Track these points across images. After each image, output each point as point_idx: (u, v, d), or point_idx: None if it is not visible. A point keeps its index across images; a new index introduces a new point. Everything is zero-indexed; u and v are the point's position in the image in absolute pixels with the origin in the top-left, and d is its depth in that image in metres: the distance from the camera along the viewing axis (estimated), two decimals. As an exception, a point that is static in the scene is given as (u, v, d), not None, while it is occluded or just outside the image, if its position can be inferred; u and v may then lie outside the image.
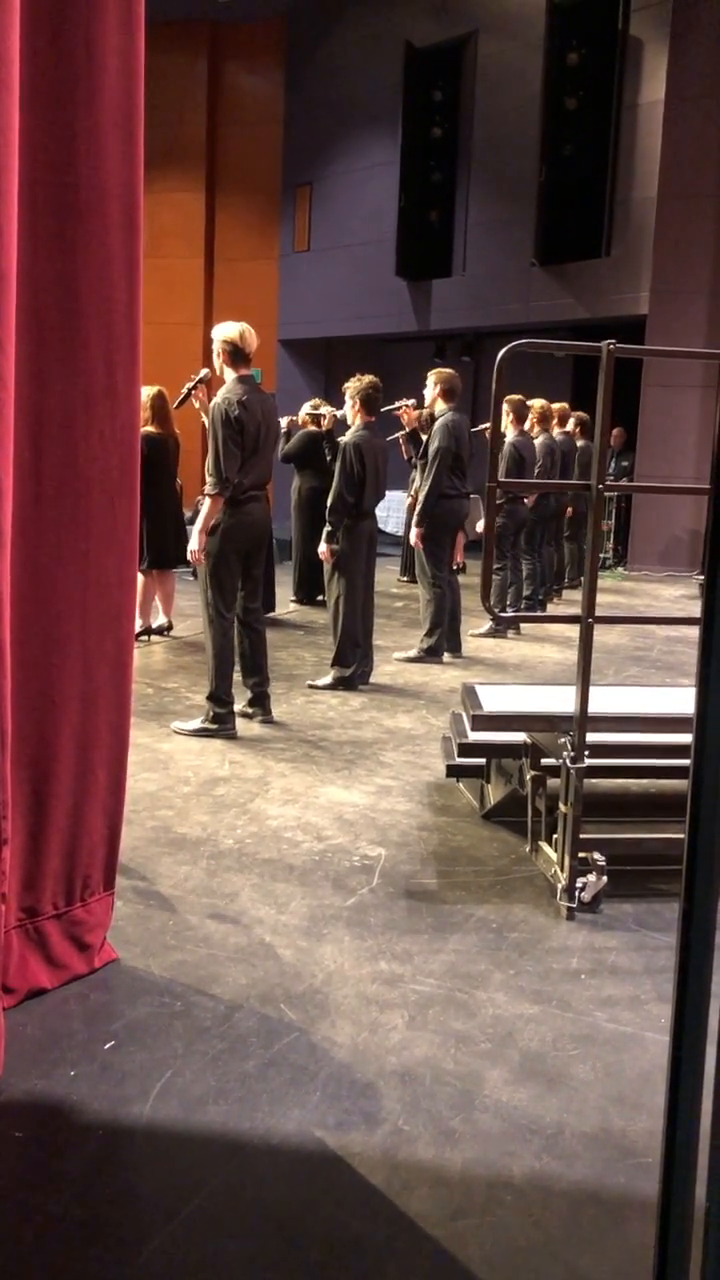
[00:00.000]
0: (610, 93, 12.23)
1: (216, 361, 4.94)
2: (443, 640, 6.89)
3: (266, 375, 15.42)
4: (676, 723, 3.62)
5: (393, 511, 12.37)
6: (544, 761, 3.61)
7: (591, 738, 3.30)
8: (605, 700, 3.79)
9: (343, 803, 4.17)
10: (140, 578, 6.58)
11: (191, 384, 5.25)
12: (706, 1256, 1.19)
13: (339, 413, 7.50)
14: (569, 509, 9.83)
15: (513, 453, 7.88)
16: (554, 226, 12.69)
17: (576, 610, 3.28)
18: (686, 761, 1.15)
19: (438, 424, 6.79)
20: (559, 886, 3.31)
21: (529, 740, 3.65)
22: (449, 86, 14.08)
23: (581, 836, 3.27)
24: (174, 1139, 2.15)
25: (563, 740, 3.31)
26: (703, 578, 1.13)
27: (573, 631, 3.44)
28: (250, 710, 5.27)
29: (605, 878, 3.31)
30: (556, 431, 9.24)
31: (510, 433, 7.99)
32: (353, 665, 6.07)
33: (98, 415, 2.60)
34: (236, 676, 5.13)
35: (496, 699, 3.96)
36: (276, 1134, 2.17)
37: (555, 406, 9.31)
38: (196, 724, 5.01)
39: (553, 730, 3.47)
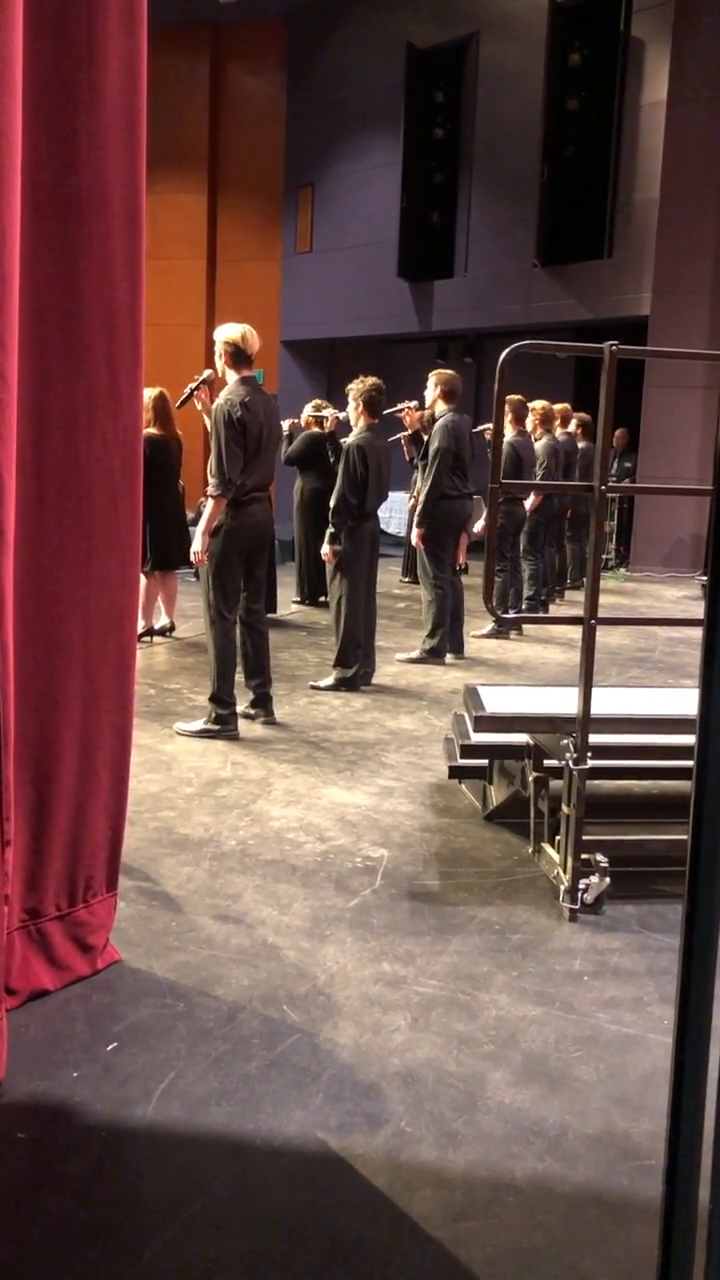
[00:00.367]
0: (612, 93, 12.23)
1: (219, 363, 4.95)
2: (445, 641, 6.88)
3: (269, 376, 15.43)
4: (679, 724, 3.62)
5: (395, 513, 12.37)
6: (546, 763, 3.60)
7: (594, 739, 3.30)
8: (608, 701, 3.79)
9: (345, 804, 4.17)
10: (143, 579, 6.59)
11: (194, 385, 5.25)
12: (710, 1259, 1.18)
13: (341, 414, 7.51)
14: (569, 510, 9.82)
15: (510, 453, 7.88)
16: (556, 227, 12.69)
17: (579, 611, 3.28)
18: (689, 763, 1.14)
19: (437, 425, 6.80)
20: (562, 888, 3.31)
21: (531, 741, 3.65)
22: (451, 87, 14.08)
23: (584, 838, 3.27)
24: (176, 1140, 2.15)
25: (565, 741, 3.31)
26: (705, 579, 1.13)
27: (575, 633, 3.44)
28: (253, 711, 5.27)
29: (608, 879, 3.31)
30: (559, 432, 9.23)
31: (509, 433, 7.99)
32: (355, 666, 6.07)
33: (100, 417, 2.60)
34: (239, 678, 5.13)
35: (499, 700, 3.96)
36: (279, 1135, 2.17)
37: (557, 407, 9.31)
38: (199, 725, 5.01)
39: (555, 731, 3.47)
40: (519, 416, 8.16)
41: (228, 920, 3.14)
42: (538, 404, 8.75)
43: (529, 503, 8.40)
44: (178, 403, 5.67)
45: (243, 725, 5.11)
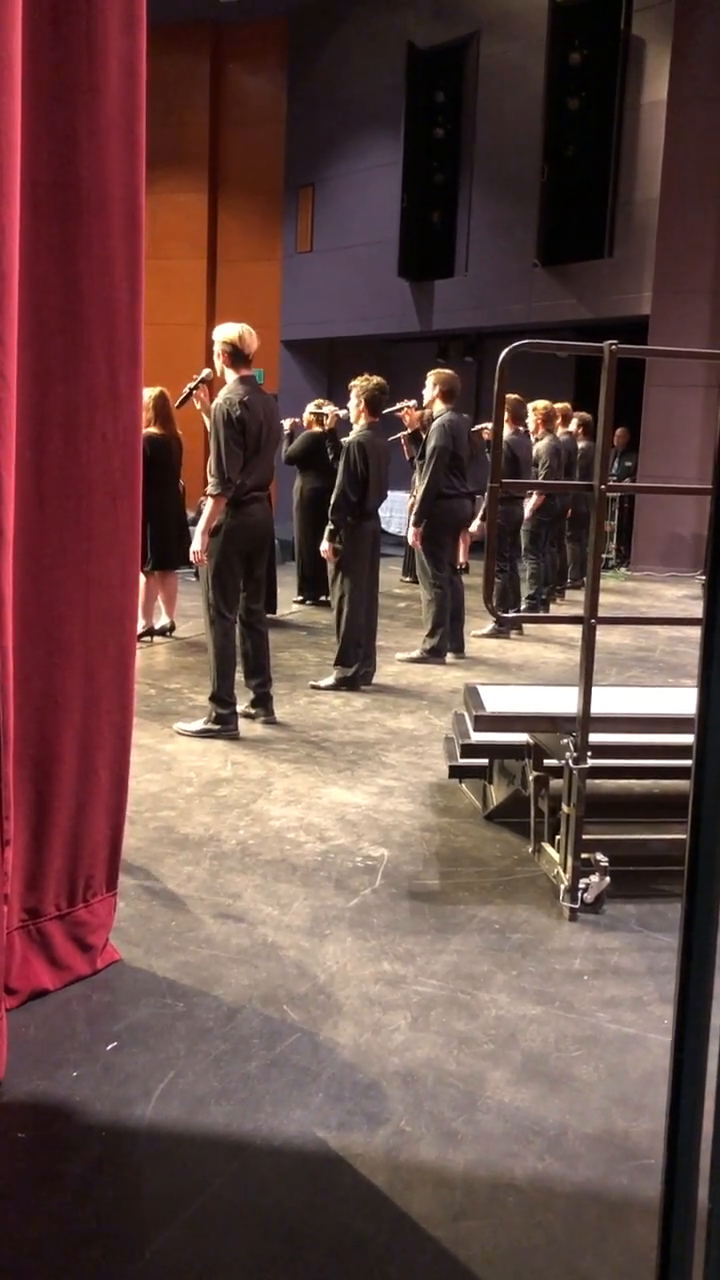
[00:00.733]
0: (613, 93, 12.23)
1: (217, 363, 4.95)
2: (445, 640, 6.88)
3: (269, 376, 15.43)
4: (679, 723, 3.62)
5: (396, 512, 12.37)
6: (546, 762, 3.60)
7: (594, 738, 3.30)
8: (608, 701, 3.79)
9: (345, 803, 4.17)
10: (143, 579, 6.59)
11: (193, 384, 5.25)
12: (709, 1258, 1.18)
13: (341, 412, 7.50)
14: (570, 510, 9.82)
15: (506, 452, 7.87)
16: (556, 227, 12.69)
17: (579, 611, 3.28)
18: (689, 762, 1.14)
19: (434, 424, 6.79)
20: (562, 887, 3.31)
21: (532, 741, 3.65)
22: (451, 87, 14.08)
23: (584, 837, 3.27)
24: (176, 1140, 2.15)
25: (565, 741, 3.31)
26: (705, 578, 1.13)
27: (575, 632, 3.44)
28: (253, 711, 5.27)
29: (608, 878, 3.31)
30: (560, 432, 9.23)
31: (505, 432, 7.97)
32: (355, 666, 6.07)
33: (100, 416, 2.60)
34: (239, 677, 5.13)
35: (499, 699, 3.96)
36: (279, 1135, 2.17)
37: (558, 407, 9.30)
38: (199, 725, 5.01)
39: (555, 731, 3.47)
40: (516, 416, 8.15)
41: (228, 920, 3.14)
42: (539, 404, 8.75)
43: (531, 503, 8.39)
44: (177, 402, 5.67)
45: (243, 725, 5.11)
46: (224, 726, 4.98)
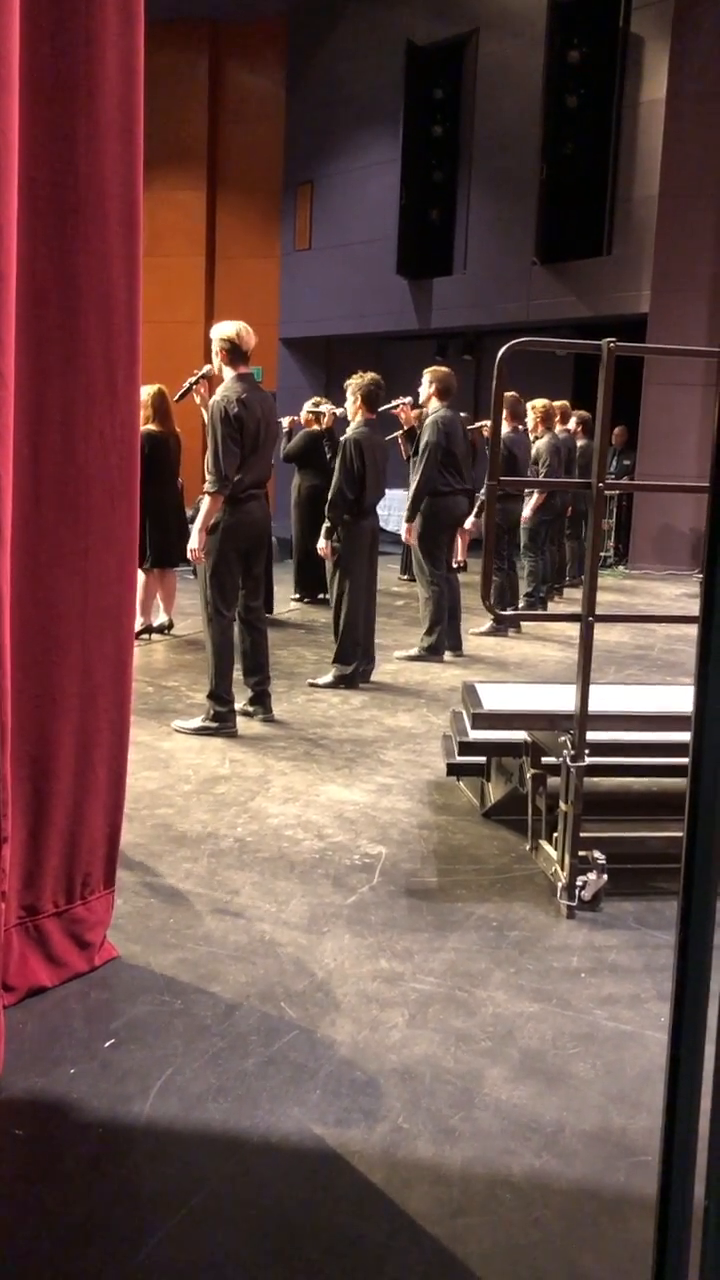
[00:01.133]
0: (611, 90, 12.22)
1: (215, 360, 4.95)
2: (443, 638, 6.88)
3: (267, 374, 15.42)
4: (676, 721, 3.62)
5: (394, 510, 12.37)
6: (544, 760, 3.61)
7: (592, 736, 3.30)
8: (606, 699, 3.79)
9: (343, 801, 4.17)
10: (141, 576, 6.59)
11: (193, 380, 5.25)
12: (705, 1255, 1.19)
13: (338, 410, 7.50)
14: (569, 508, 9.82)
15: (504, 450, 7.86)
16: (555, 225, 12.68)
17: (577, 609, 3.28)
18: (687, 760, 1.15)
19: (427, 420, 6.79)
20: (559, 885, 3.31)
21: (529, 739, 3.65)
22: (450, 85, 14.06)
23: (582, 835, 3.27)
24: (174, 1137, 2.15)
25: (563, 739, 3.31)
26: (702, 576, 1.13)
27: (574, 630, 3.44)
28: (251, 709, 5.27)
29: (605, 876, 3.31)
30: (559, 430, 9.23)
31: (504, 430, 7.97)
32: (354, 663, 6.07)
33: (98, 414, 2.60)
34: (237, 675, 5.13)
35: (497, 697, 3.96)
36: (276, 1132, 2.17)
37: (556, 405, 9.30)
38: (197, 722, 5.01)
39: (553, 729, 3.47)
40: (514, 414, 8.15)
41: (226, 917, 3.14)
42: (538, 402, 8.75)
43: (533, 501, 8.39)
44: (176, 396, 5.67)
45: (241, 722, 5.12)
46: (222, 724, 4.98)
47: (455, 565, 7.52)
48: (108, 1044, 2.46)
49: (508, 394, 8.00)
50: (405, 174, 14.04)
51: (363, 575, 6.13)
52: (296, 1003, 2.68)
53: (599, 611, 3.26)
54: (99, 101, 2.47)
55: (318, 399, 9.31)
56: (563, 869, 3.31)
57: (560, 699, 3.65)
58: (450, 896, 3.36)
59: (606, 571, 11.77)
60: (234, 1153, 2.11)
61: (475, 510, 7.78)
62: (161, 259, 15.27)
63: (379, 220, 14.48)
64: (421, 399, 7.10)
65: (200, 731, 4.96)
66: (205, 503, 4.85)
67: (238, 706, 5.13)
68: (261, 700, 5.29)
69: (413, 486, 6.80)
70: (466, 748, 3.98)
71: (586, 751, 3.27)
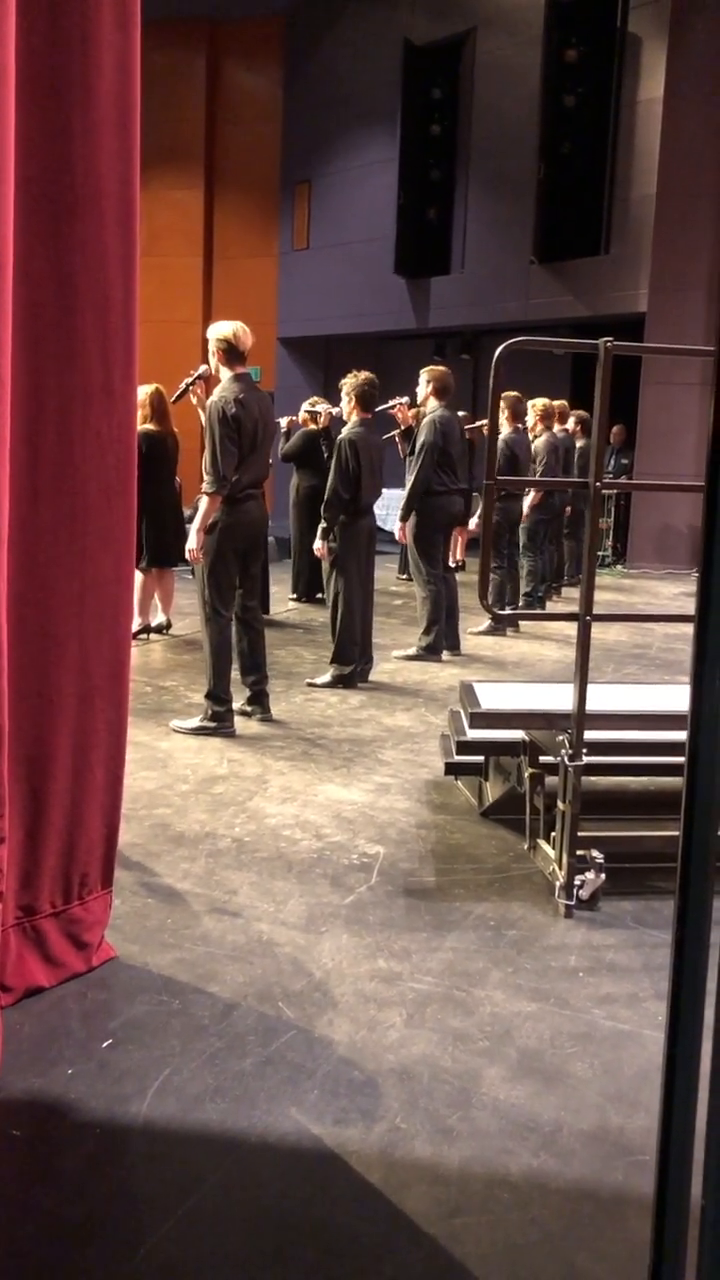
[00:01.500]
0: (609, 90, 12.21)
1: (212, 360, 4.95)
2: (441, 638, 6.88)
3: (266, 373, 15.41)
4: (674, 720, 3.62)
5: (392, 510, 12.37)
6: (542, 759, 3.61)
7: (589, 735, 3.30)
8: (603, 698, 3.79)
9: (341, 800, 4.17)
10: (139, 576, 6.58)
11: (190, 380, 5.25)
12: (702, 1253, 1.18)
13: (335, 410, 7.49)
14: (568, 507, 9.82)
15: (505, 450, 7.87)
16: (553, 224, 12.68)
17: (575, 608, 3.28)
18: (684, 759, 1.14)
19: (424, 420, 6.79)
20: (557, 884, 3.31)
21: (527, 738, 3.65)
22: (448, 84, 14.06)
23: (580, 834, 3.27)
24: (171, 1137, 2.15)
25: (561, 738, 3.31)
26: (699, 575, 1.13)
27: (572, 629, 3.44)
28: (249, 708, 5.27)
29: (603, 875, 3.31)
30: (557, 429, 9.23)
31: (504, 430, 7.98)
32: (352, 663, 6.07)
33: (95, 413, 2.59)
34: (235, 675, 5.13)
35: (495, 697, 3.96)
36: (274, 1132, 2.17)
37: (555, 404, 9.30)
38: (195, 722, 5.01)
39: (551, 728, 3.47)
40: (516, 414, 8.15)
41: (224, 917, 3.14)
42: (538, 401, 8.75)
43: (530, 500, 8.39)
44: (174, 396, 5.66)
45: (239, 722, 5.11)
46: (220, 724, 4.98)
47: (453, 565, 7.52)
48: (105, 1044, 2.46)
49: (510, 393, 8.01)
50: (403, 173, 14.04)
51: (359, 575, 6.12)
52: (294, 1002, 2.68)
53: (597, 611, 3.26)
54: (95, 100, 2.47)
55: (315, 398, 9.31)
56: (561, 868, 3.31)
57: (558, 698, 3.64)
58: (448, 896, 3.36)
59: (604, 571, 11.78)
60: (232, 1153, 2.11)
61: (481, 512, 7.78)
62: (159, 258, 15.27)
63: (377, 220, 14.48)
64: (419, 398, 7.10)
65: (198, 731, 4.96)
66: (203, 503, 4.85)
67: (236, 706, 5.13)
68: (259, 700, 5.28)
69: (407, 485, 6.79)
70: (464, 747, 3.97)
71: (584, 751, 3.27)
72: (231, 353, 4.86)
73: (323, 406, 8.79)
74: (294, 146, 16.03)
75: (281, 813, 4.01)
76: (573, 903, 3.26)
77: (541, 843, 3.55)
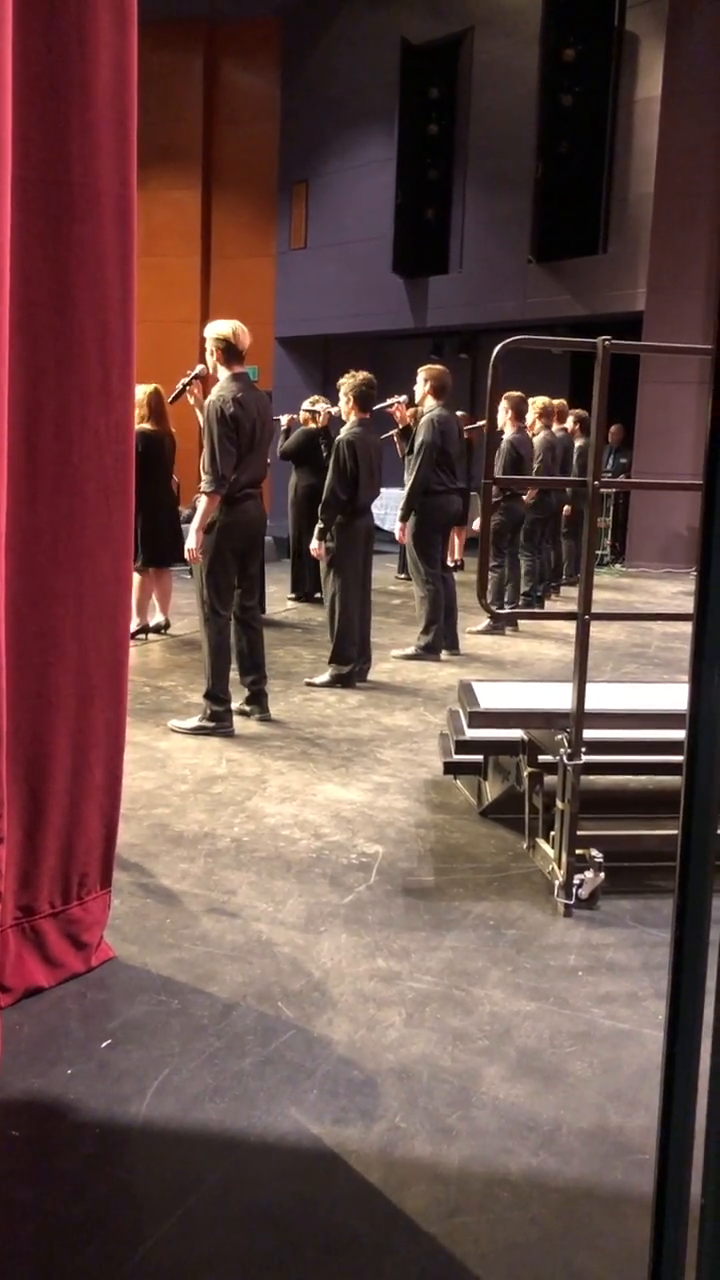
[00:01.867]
0: (606, 89, 12.21)
1: (210, 359, 4.94)
2: (440, 637, 6.88)
3: (264, 373, 15.41)
4: (673, 719, 3.62)
5: (390, 509, 12.37)
6: (541, 758, 3.61)
7: (588, 734, 3.30)
8: (602, 697, 3.79)
9: (340, 800, 4.17)
10: (136, 576, 6.58)
11: (186, 380, 5.25)
12: (702, 1253, 1.18)
13: (334, 409, 7.49)
14: (567, 507, 9.82)
15: (510, 450, 7.87)
16: (551, 223, 12.68)
17: (574, 607, 3.28)
18: (683, 758, 1.14)
19: (423, 420, 6.79)
20: (556, 883, 3.31)
21: (526, 737, 3.65)
22: (445, 83, 14.06)
23: (579, 833, 3.27)
24: (171, 1137, 2.15)
25: (560, 737, 3.31)
26: (697, 573, 1.13)
27: (570, 628, 3.44)
28: (248, 708, 5.27)
29: (603, 874, 3.31)
30: (555, 428, 9.23)
31: (508, 430, 7.99)
32: (350, 663, 6.07)
33: (92, 413, 2.59)
34: (234, 674, 5.13)
35: (493, 696, 3.96)
36: (273, 1131, 2.17)
37: (555, 403, 9.30)
38: (194, 722, 5.00)
39: (550, 727, 3.47)
40: (519, 413, 8.15)
41: (222, 916, 3.14)
42: (537, 400, 8.74)
43: (525, 499, 8.39)
44: (171, 397, 5.66)
45: (238, 722, 5.11)
46: (219, 724, 4.98)
47: (452, 564, 7.52)
48: (104, 1044, 2.46)
49: (513, 393, 8.01)
50: (401, 173, 14.04)
51: (357, 574, 6.12)
52: (293, 1002, 2.68)
53: (595, 610, 3.26)
54: (93, 100, 2.46)
55: (315, 398, 9.31)
56: (560, 867, 3.31)
57: (557, 697, 3.64)
58: (447, 895, 3.36)
59: (603, 570, 11.78)
60: (231, 1152, 2.11)
61: (481, 511, 7.78)
62: (156, 258, 15.27)
63: (374, 219, 14.48)
64: (417, 398, 7.10)
65: (197, 731, 4.96)
66: (202, 502, 4.84)
67: (234, 706, 5.13)
68: (258, 700, 5.28)
69: (408, 486, 6.80)
70: (463, 746, 3.97)
71: (583, 750, 3.27)
72: (230, 352, 4.86)
73: (322, 405, 8.79)
74: (291, 146, 16.03)
75: (280, 812, 4.01)
76: (572, 902, 3.26)
77: (540, 842, 3.55)
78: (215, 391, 4.86)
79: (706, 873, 1.15)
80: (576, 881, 3.28)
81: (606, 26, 12.10)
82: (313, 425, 8.80)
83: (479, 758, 4.06)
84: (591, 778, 3.74)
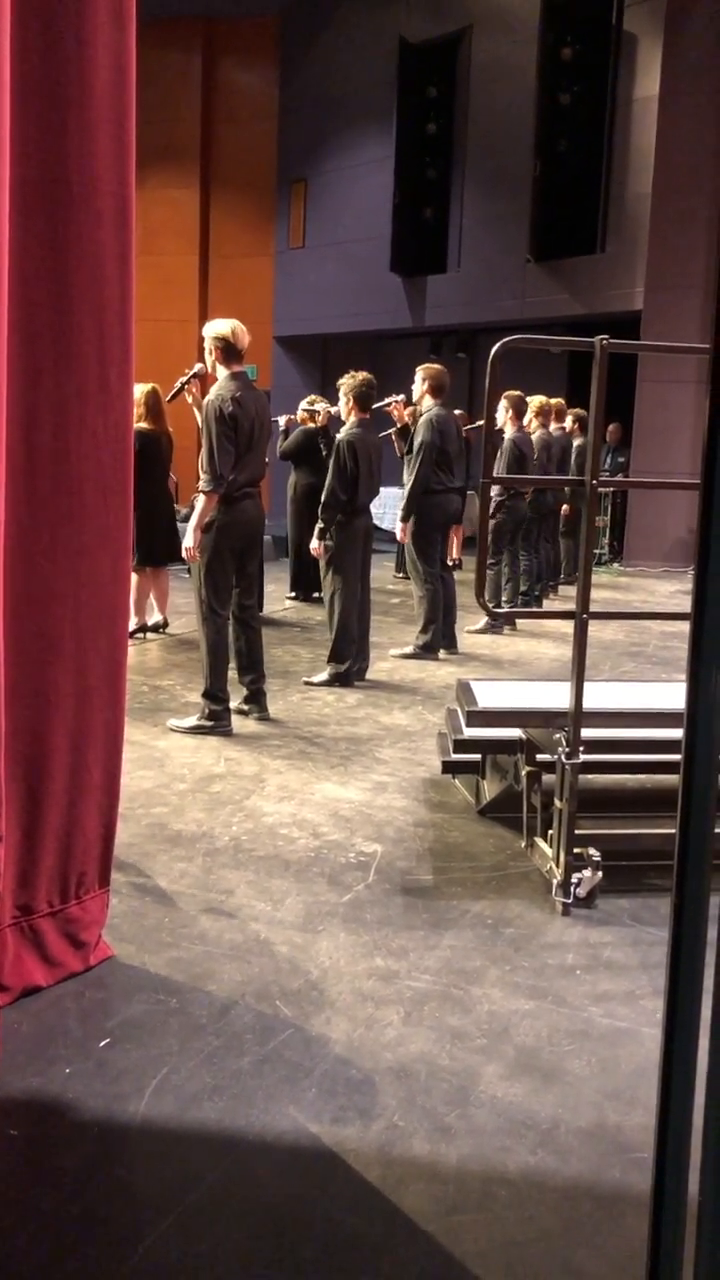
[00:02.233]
0: (604, 88, 12.22)
1: (209, 359, 4.94)
2: (438, 636, 6.88)
3: (262, 372, 15.41)
4: (671, 718, 3.62)
5: (388, 508, 12.38)
6: (539, 757, 3.61)
7: (586, 733, 3.30)
8: (600, 696, 3.80)
9: (339, 799, 4.17)
10: (135, 575, 6.58)
11: (184, 379, 5.24)
12: (700, 1251, 1.19)
13: (333, 409, 7.49)
14: (565, 506, 9.83)
15: (512, 449, 7.87)
16: (549, 222, 12.68)
17: (572, 606, 3.28)
18: (680, 756, 1.15)
19: (421, 419, 6.79)
20: (554, 882, 3.31)
21: (524, 736, 3.65)
22: (443, 82, 14.06)
23: (577, 832, 3.28)
24: (169, 1136, 2.15)
25: (558, 736, 3.31)
26: (694, 572, 1.13)
27: (568, 627, 3.44)
28: (246, 707, 5.27)
29: (601, 873, 3.31)
30: (553, 427, 9.23)
31: (509, 429, 7.99)
32: (348, 661, 6.07)
33: (90, 412, 2.59)
34: (232, 673, 5.13)
35: (492, 695, 3.96)
36: (272, 1130, 2.17)
37: (551, 402, 9.31)
38: (192, 721, 5.00)
39: (548, 726, 3.47)
40: (519, 412, 8.15)
41: (221, 916, 3.14)
42: (535, 399, 8.75)
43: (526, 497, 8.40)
44: (169, 396, 5.66)
45: (236, 721, 5.11)
46: (217, 723, 4.98)
47: (451, 563, 7.52)
48: (103, 1043, 2.46)
49: (513, 392, 8.01)
50: (399, 172, 14.04)
51: (356, 573, 6.12)
52: (292, 1001, 2.68)
53: (593, 609, 3.27)
54: (91, 99, 2.46)
55: (312, 397, 9.31)
56: (558, 866, 3.31)
57: (555, 696, 3.65)
58: (445, 894, 3.36)
59: (601, 569, 11.79)
60: (229, 1151, 2.11)
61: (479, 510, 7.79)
62: (155, 257, 15.26)
63: (373, 218, 14.48)
64: (415, 397, 7.10)
65: (195, 730, 4.96)
66: (200, 501, 4.84)
67: (233, 705, 5.13)
68: (256, 699, 5.28)
69: (407, 485, 6.80)
70: (462, 745, 3.98)
71: (581, 748, 3.27)
72: (229, 351, 4.86)
73: (321, 405, 8.79)
74: (290, 145, 16.03)
75: (279, 811, 4.01)
76: (570, 900, 3.26)
77: (539, 841, 3.55)
78: (214, 391, 4.86)
79: (704, 871, 1.15)
80: (574, 880, 3.28)
81: (605, 25, 12.10)
82: (312, 425, 8.80)
83: (477, 757, 4.06)
84: (589, 776, 3.75)
